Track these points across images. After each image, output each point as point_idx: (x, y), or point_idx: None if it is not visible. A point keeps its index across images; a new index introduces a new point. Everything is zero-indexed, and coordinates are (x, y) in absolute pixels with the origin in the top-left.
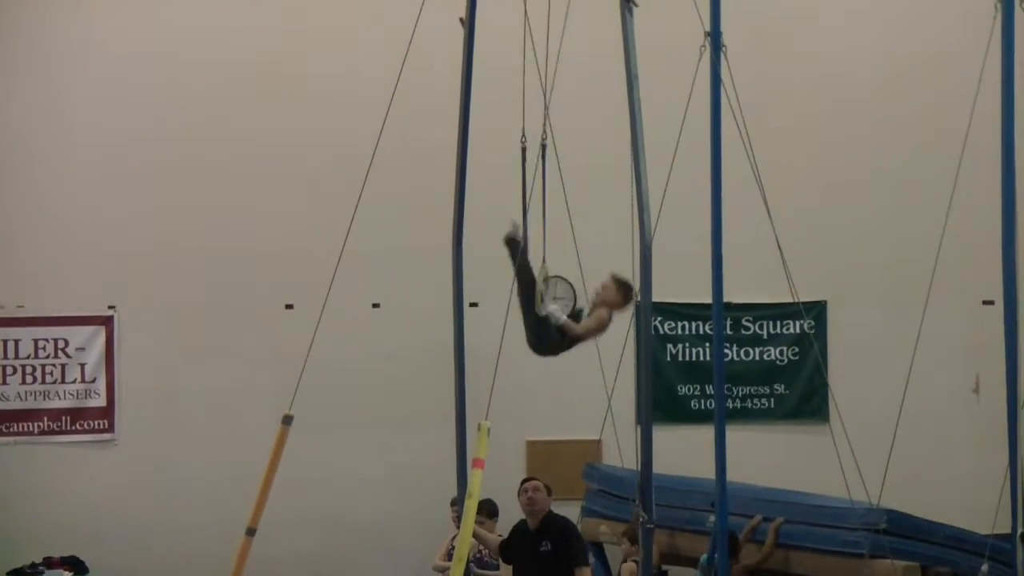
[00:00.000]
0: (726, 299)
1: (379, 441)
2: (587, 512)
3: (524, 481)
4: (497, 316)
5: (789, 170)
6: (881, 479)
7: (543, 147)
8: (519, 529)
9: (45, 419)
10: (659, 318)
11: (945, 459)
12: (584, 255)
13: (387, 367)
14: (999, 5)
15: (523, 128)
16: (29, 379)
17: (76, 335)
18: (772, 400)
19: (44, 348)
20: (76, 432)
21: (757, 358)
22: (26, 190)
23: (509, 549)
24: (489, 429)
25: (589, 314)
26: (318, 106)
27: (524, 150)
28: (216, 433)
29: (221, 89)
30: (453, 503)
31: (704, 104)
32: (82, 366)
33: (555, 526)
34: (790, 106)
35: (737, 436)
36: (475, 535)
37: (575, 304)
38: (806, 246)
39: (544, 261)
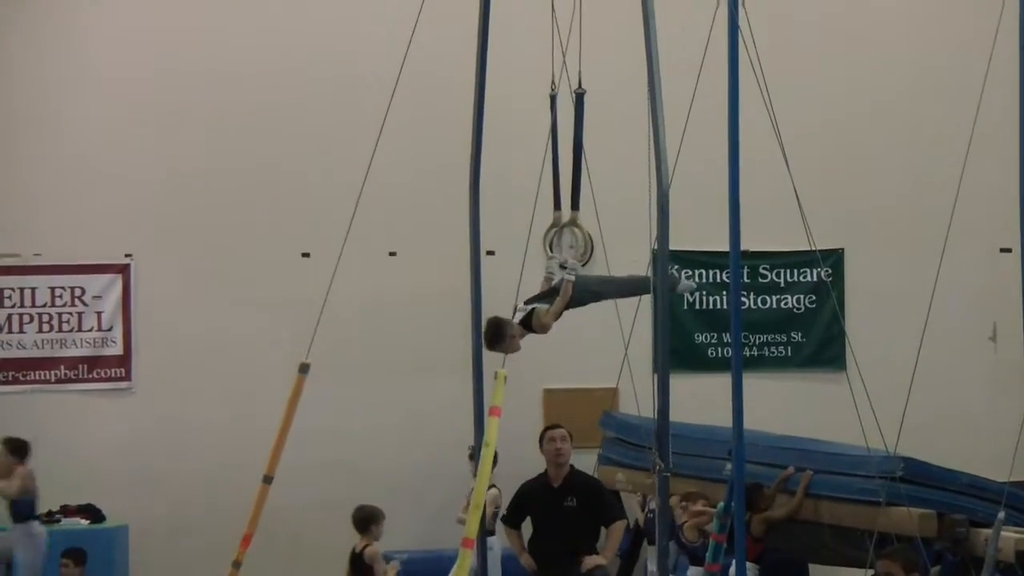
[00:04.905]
0: (743, 247)
1: (396, 389)
2: (604, 460)
3: (548, 428)
4: (514, 264)
5: (807, 118)
6: (898, 427)
7: (578, 96)
8: (537, 484)
9: (62, 367)
10: (676, 266)
11: (962, 407)
12: (601, 203)
13: (404, 315)
14: None
15: (553, 76)
16: (46, 327)
17: (93, 283)
18: (789, 348)
19: (61, 296)
20: (93, 380)
21: (774, 306)
22: (43, 139)
23: (525, 507)
24: (506, 377)
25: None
26: (336, 54)
27: (553, 99)
28: (233, 381)
29: (239, 37)
30: (471, 457)
31: (722, 51)
32: (99, 314)
33: (581, 482)
34: (809, 53)
35: (754, 384)
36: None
37: (590, 250)
38: (823, 194)
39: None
